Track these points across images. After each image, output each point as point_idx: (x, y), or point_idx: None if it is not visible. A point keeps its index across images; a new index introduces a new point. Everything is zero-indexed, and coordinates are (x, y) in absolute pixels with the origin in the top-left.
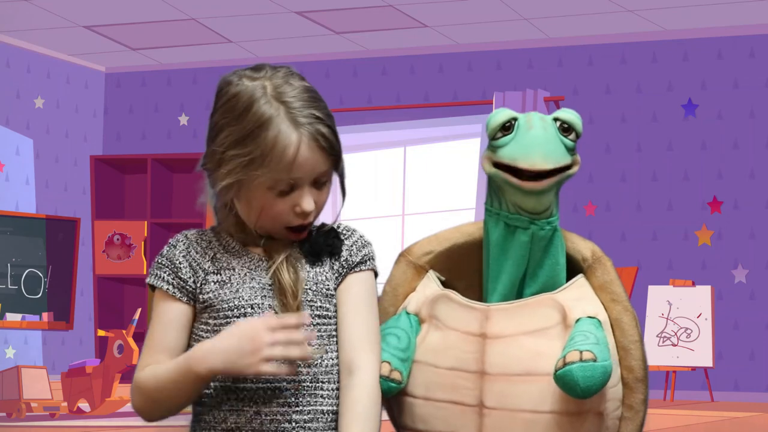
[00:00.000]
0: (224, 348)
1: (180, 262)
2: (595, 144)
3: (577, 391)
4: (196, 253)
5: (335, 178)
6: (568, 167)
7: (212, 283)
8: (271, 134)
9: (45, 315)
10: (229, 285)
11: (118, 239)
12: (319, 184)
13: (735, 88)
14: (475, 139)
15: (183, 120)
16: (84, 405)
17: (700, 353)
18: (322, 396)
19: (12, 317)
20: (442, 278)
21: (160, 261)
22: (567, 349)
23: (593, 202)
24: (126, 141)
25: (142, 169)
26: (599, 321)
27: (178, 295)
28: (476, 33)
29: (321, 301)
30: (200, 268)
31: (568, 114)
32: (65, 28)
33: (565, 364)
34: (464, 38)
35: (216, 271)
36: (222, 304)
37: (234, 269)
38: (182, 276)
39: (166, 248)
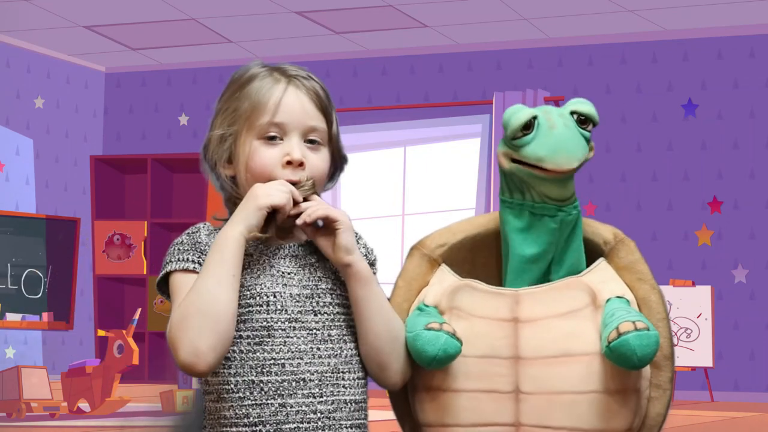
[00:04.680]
0: (235, 214)
1: (206, 243)
2: (595, 144)
3: (634, 361)
4: (211, 239)
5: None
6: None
7: None
8: (257, 83)
9: (45, 315)
10: (249, 270)
11: (118, 239)
12: (314, 143)
13: (735, 88)
14: (475, 139)
15: (183, 120)
16: (84, 405)
17: (700, 353)
18: (344, 386)
19: (12, 317)
20: (453, 272)
21: (181, 247)
22: (614, 323)
23: (593, 202)
24: (126, 141)
25: (142, 169)
26: (628, 300)
27: (200, 269)
28: (476, 33)
29: (341, 289)
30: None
31: (584, 106)
32: (65, 28)
33: (619, 335)
34: (464, 38)
35: None
36: (243, 291)
37: (252, 255)
38: (206, 253)
39: (185, 236)
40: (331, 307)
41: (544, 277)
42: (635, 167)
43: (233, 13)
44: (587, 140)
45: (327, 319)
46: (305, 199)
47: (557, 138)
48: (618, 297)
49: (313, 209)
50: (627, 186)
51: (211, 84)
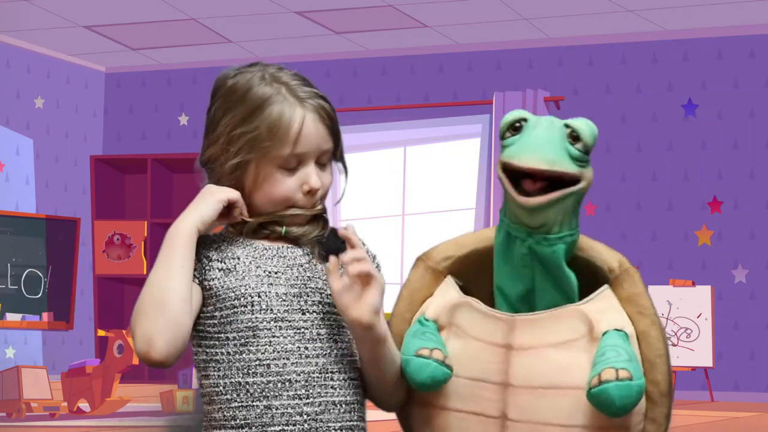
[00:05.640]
0: (188, 208)
1: (200, 251)
2: (595, 144)
3: (613, 410)
4: (201, 243)
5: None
6: (572, 179)
7: (216, 270)
8: (276, 109)
9: (45, 315)
10: (234, 273)
11: (118, 239)
12: (323, 164)
13: (735, 88)
14: (475, 139)
15: (183, 120)
16: (84, 405)
17: (700, 353)
18: (332, 387)
19: (12, 317)
20: (460, 283)
21: None
22: (600, 366)
23: (593, 202)
24: (126, 141)
25: (142, 169)
26: (626, 334)
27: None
28: (476, 33)
29: None
30: (204, 256)
31: (580, 122)
32: (65, 28)
33: (600, 382)
34: (464, 38)
35: (220, 259)
36: (228, 293)
37: (239, 258)
38: (196, 258)
39: None
40: (320, 305)
41: (531, 302)
42: (635, 167)
43: (233, 13)
44: (576, 161)
45: (316, 318)
46: (320, 216)
47: (534, 137)
48: (616, 330)
49: (357, 265)
50: (627, 186)
51: (210, 84)
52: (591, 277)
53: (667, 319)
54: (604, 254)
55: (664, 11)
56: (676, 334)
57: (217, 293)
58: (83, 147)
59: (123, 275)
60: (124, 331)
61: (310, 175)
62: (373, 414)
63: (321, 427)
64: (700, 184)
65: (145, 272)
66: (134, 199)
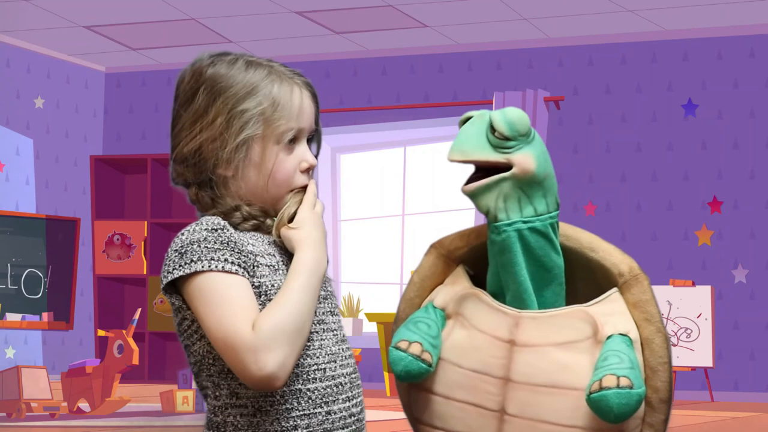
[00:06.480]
0: (322, 245)
1: (241, 243)
2: (595, 144)
3: (611, 417)
4: (233, 238)
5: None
6: (503, 167)
7: (264, 267)
8: (275, 86)
9: (45, 315)
10: (280, 271)
11: (118, 239)
12: (310, 140)
13: (735, 88)
14: None
15: None
16: (84, 405)
17: (700, 353)
18: (359, 386)
19: (12, 317)
20: (471, 272)
21: (209, 245)
22: (602, 371)
23: (593, 202)
24: (126, 141)
25: (142, 169)
26: (630, 339)
27: (241, 272)
28: (476, 33)
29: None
30: (248, 251)
31: (497, 112)
32: (65, 28)
33: (601, 388)
34: (464, 38)
35: (262, 255)
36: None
37: (274, 256)
38: (244, 253)
39: (207, 233)
40: (337, 309)
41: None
42: (635, 167)
43: (233, 13)
44: (496, 147)
45: (338, 320)
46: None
47: (461, 133)
48: (621, 334)
49: None
50: (627, 186)
51: None
52: (603, 279)
53: (667, 319)
54: (616, 258)
55: (664, 11)
56: (676, 334)
57: (267, 291)
58: (83, 147)
59: (123, 275)
60: (123, 331)
61: (306, 152)
62: (373, 414)
63: (360, 427)
64: (700, 184)
65: (145, 272)
66: (134, 199)
